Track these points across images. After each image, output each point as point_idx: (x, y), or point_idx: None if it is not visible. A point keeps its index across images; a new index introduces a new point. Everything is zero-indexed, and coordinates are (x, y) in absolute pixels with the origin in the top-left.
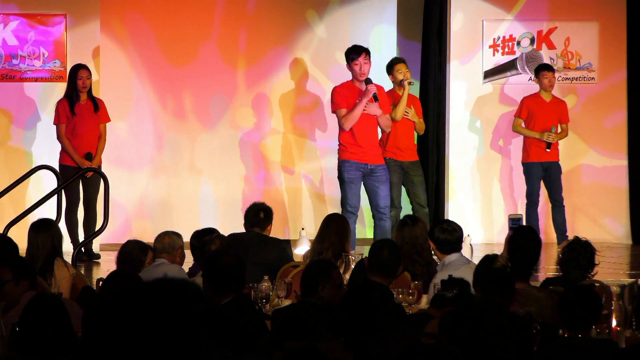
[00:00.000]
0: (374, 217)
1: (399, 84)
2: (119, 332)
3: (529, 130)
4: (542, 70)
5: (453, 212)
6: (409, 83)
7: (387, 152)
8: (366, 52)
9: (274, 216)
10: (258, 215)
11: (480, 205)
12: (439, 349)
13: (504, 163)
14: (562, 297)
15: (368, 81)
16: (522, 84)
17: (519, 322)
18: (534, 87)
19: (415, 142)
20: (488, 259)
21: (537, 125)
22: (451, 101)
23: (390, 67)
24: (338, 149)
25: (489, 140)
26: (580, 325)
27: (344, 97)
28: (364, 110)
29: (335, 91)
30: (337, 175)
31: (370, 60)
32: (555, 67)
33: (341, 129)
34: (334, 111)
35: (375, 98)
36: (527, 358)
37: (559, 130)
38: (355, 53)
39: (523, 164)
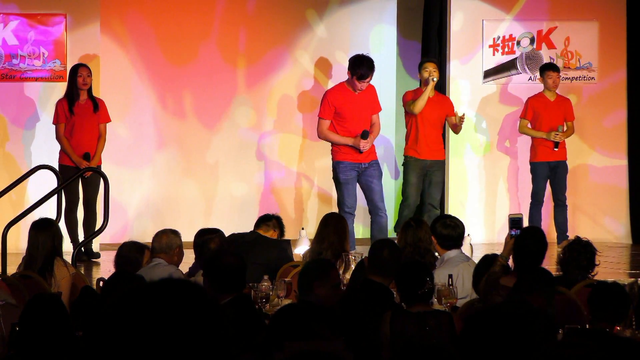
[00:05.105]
0: (370, 213)
1: (424, 81)
2: (123, 337)
3: (535, 130)
4: (547, 70)
5: (453, 212)
6: (433, 80)
7: (409, 149)
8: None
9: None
10: (269, 220)
11: (482, 205)
12: (437, 350)
13: (507, 162)
14: (593, 293)
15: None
16: (524, 83)
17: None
18: (532, 86)
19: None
20: (487, 259)
21: (544, 125)
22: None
23: (419, 66)
24: (331, 150)
25: (491, 140)
26: (611, 319)
27: (331, 107)
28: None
29: (325, 97)
30: (332, 176)
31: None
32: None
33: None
34: (319, 116)
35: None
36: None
37: (565, 128)
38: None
39: (530, 163)
